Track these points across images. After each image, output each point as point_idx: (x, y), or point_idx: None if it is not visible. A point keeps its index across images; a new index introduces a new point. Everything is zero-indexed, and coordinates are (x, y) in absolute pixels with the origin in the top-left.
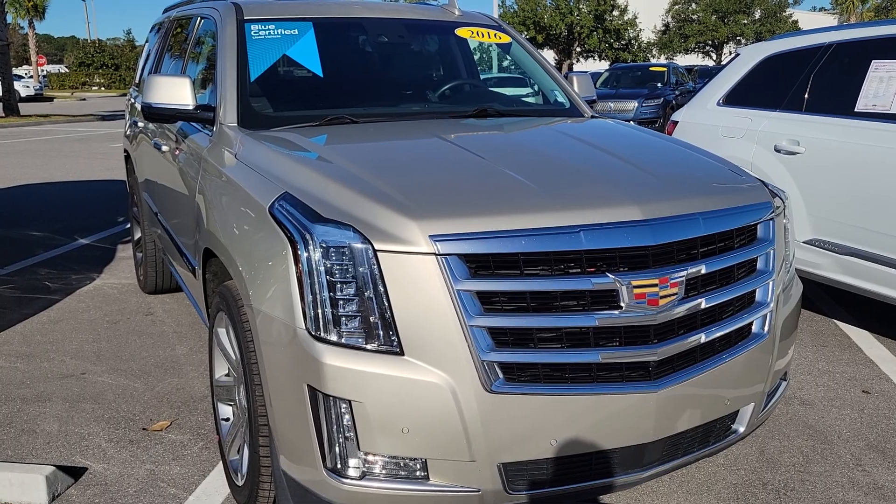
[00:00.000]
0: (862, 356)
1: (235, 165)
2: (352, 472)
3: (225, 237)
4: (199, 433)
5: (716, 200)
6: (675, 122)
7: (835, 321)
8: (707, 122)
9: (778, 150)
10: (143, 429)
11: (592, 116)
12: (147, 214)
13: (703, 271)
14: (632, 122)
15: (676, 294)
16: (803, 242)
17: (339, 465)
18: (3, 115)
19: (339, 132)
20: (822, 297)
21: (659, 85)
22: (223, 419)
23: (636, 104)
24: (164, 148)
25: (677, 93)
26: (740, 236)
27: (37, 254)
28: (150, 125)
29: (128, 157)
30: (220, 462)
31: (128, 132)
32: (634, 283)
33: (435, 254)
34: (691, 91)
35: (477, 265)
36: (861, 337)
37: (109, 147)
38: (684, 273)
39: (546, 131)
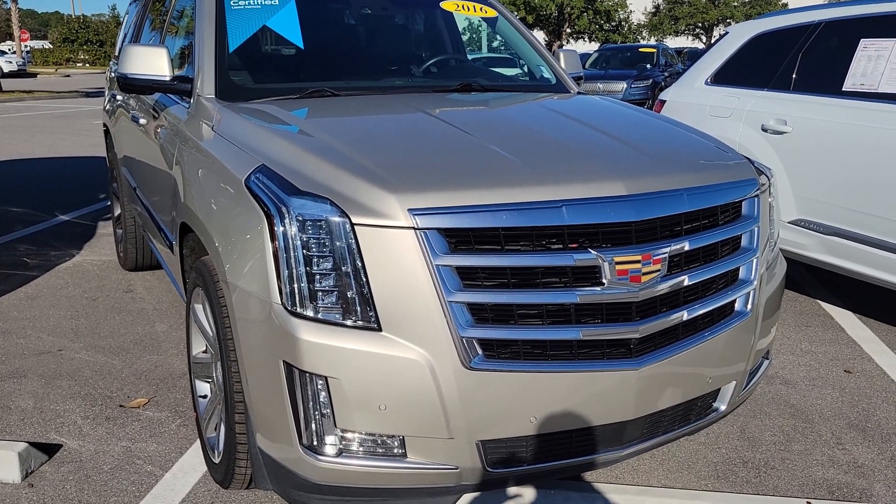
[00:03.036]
0: (844, 336)
1: (212, 138)
2: (328, 450)
3: (201, 211)
4: (177, 410)
5: (700, 177)
6: (663, 102)
7: (818, 301)
8: (695, 102)
9: (765, 130)
10: (121, 406)
11: (578, 93)
12: (126, 190)
13: (687, 248)
14: None
15: (659, 271)
16: (788, 223)
17: (315, 443)
18: None
19: (320, 105)
20: (806, 278)
21: (648, 66)
22: (200, 396)
23: (625, 85)
24: (142, 121)
25: (666, 74)
26: (725, 213)
27: (16, 230)
28: (129, 98)
29: (107, 132)
30: (198, 439)
31: (107, 106)
32: (617, 259)
33: (414, 228)
34: (680, 73)
35: (457, 240)
36: (844, 317)
37: (92, 124)
38: (667, 250)
39: (531, 107)
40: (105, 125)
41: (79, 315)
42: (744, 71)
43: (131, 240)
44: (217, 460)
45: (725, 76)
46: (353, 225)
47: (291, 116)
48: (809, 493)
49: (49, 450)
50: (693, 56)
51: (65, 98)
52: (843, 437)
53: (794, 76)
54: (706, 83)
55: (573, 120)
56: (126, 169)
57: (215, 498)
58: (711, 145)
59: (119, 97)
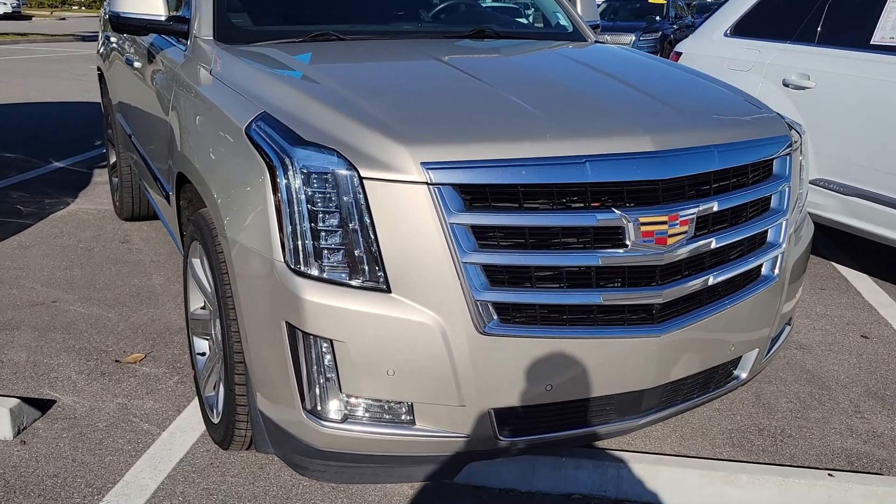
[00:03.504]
0: (861, 300)
1: (211, 83)
2: (333, 415)
3: (199, 161)
4: (174, 367)
5: (731, 132)
6: (679, 54)
7: (833, 263)
8: (712, 54)
9: (786, 85)
10: (116, 361)
11: (596, 42)
12: (121, 137)
13: (715, 208)
14: None
15: (686, 233)
16: (808, 182)
17: (319, 408)
18: None
19: (325, 50)
20: (821, 239)
21: (657, 18)
22: (199, 353)
23: (633, 38)
24: (137, 64)
25: (676, 27)
26: (755, 172)
27: (9, 176)
28: (124, 41)
29: (101, 76)
30: (196, 397)
31: (101, 49)
32: (642, 219)
33: (427, 183)
34: (690, 26)
35: (472, 197)
36: (860, 280)
37: (88, 68)
38: (695, 210)
39: (549, 55)
40: (99, 69)
41: (73, 265)
42: (765, 22)
43: (127, 189)
44: (216, 420)
45: (746, 27)
46: (361, 178)
47: (295, 61)
48: (828, 463)
49: (42, 406)
50: (702, 9)
51: (60, 41)
52: (861, 406)
53: (819, 28)
54: (725, 35)
55: (594, 69)
56: (121, 115)
57: (214, 459)
58: (741, 99)
59: (113, 39)
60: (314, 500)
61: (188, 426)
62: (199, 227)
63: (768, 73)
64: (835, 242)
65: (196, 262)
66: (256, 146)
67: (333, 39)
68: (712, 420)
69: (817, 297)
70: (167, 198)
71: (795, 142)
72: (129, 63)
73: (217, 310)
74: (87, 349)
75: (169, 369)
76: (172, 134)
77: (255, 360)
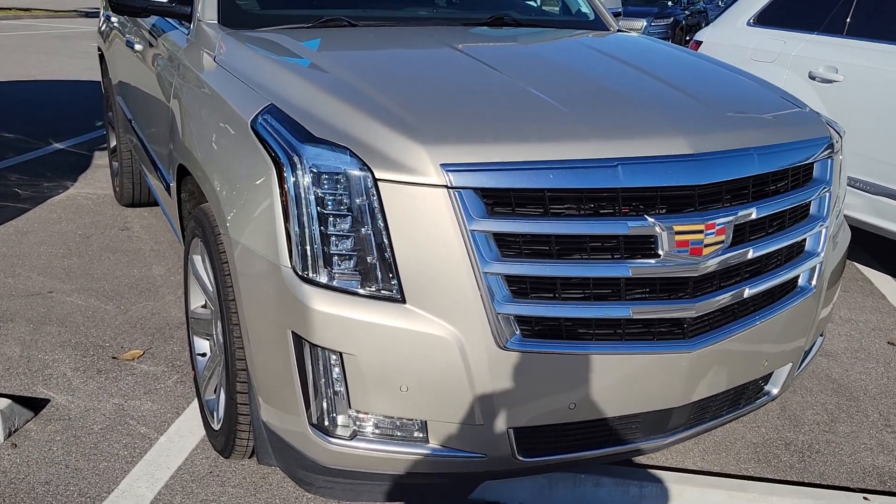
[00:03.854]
0: (886, 304)
1: (215, 70)
2: (340, 431)
3: (201, 153)
4: (174, 365)
5: (771, 133)
6: (699, 43)
7: (856, 265)
8: (735, 44)
9: (813, 78)
10: (113, 357)
11: (619, 30)
12: (122, 121)
13: (754, 216)
14: None
15: (723, 243)
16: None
17: (326, 423)
18: None
19: (336, 36)
20: None
21: (670, 4)
22: (199, 354)
23: (645, 23)
24: (138, 47)
25: (688, 13)
26: (794, 176)
27: (7, 157)
28: (126, 21)
29: (102, 57)
30: (196, 399)
31: (102, 27)
32: (676, 228)
33: (446, 186)
34: (702, 11)
35: (495, 201)
36: (884, 283)
37: (91, 45)
38: (733, 218)
39: (571, 45)
40: (99, 49)
41: (71, 254)
42: (792, 11)
43: (128, 174)
44: (217, 427)
45: (771, 17)
46: (375, 180)
47: (304, 48)
48: (859, 482)
49: (35, 405)
50: None
51: (63, 17)
52: (891, 419)
53: (848, 19)
54: (748, 24)
55: (621, 62)
56: (121, 98)
57: (214, 467)
58: (778, 96)
59: (114, 18)
60: None
61: (187, 430)
62: (201, 223)
63: (793, 65)
64: (859, 243)
65: (197, 258)
66: (263, 141)
67: (344, 25)
68: (736, 433)
69: (841, 301)
70: (168, 188)
71: (836, 143)
72: (130, 45)
73: (219, 310)
74: (83, 344)
75: (168, 367)
76: (174, 122)
77: (258, 369)
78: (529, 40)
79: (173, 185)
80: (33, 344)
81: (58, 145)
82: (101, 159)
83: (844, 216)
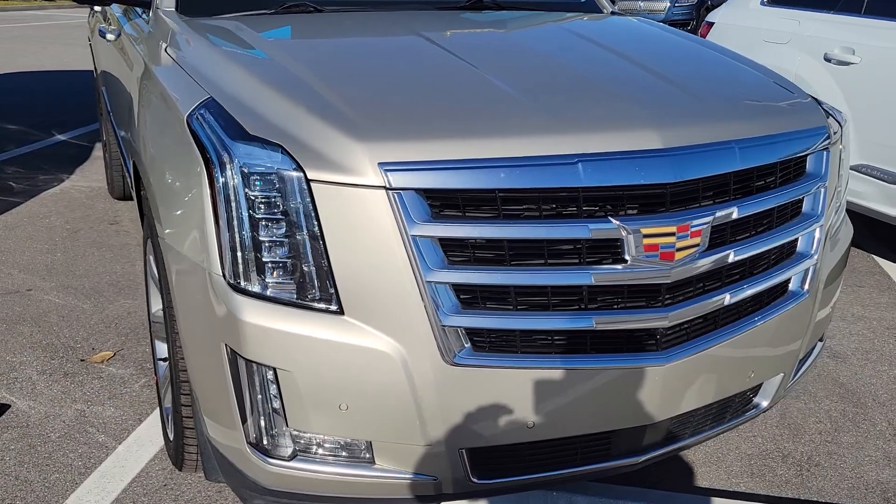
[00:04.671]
0: None
1: (163, 62)
2: (280, 451)
3: (144, 151)
4: (143, 367)
5: (757, 124)
6: (711, 24)
7: (873, 257)
8: (747, 25)
9: (828, 60)
10: (82, 360)
11: (612, 13)
12: (104, 111)
13: (735, 216)
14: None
15: (698, 246)
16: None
17: (264, 443)
18: None
19: (297, 23)
20: (861, 230)
21: None
22: (160, 359)
23: (668, 4)
24: (109, 36)
25: None
26: (785, 171)
27: (7, 150)
28: (105, 11)
29: (91, 47)
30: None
31: (90, 18)
32: (644, 230)
33: (385, 187)
34: None
35: (441, 203)
36: None
37: None
38: (710, 218)
39: (553, 30)
40: (89, 39)
41: (56, 249)
42: None
43: (117, 167)
44: (172, 437)
45: None
46: (308, 181)
47: (257, 37)
48: (860, 499)
49: None
50: None
51: (86, 8)
52: None
53: None
54: (762, 3)
55: (603, 48)
56: (104, 89)
57: (168, 479)
58: (770, 81)
59: (98, 8)
60: None
61: (147, 439)
62: (150, 224)
63: (808, 46)
64: (872, 232)
65: (152, 259)
66: (196, 138)
67: (310, 11)
68: (730, 443)
69: (854, 297)
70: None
71: (835, 133)
72: (102, 34)
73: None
74: (54, 345)
75: (137, 370)
76: (132, 115)
77: (198, 383)
78: (507, 25)
79: (132, 182)
80: (3, 345)
81: (60, 136)
82: (99, 151)
83: (860, 205)
